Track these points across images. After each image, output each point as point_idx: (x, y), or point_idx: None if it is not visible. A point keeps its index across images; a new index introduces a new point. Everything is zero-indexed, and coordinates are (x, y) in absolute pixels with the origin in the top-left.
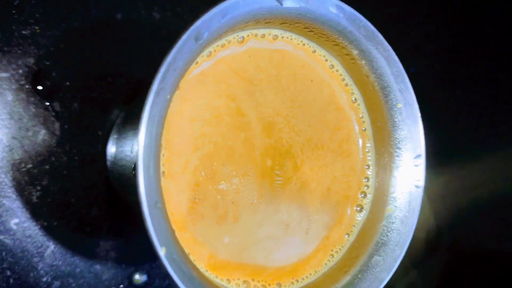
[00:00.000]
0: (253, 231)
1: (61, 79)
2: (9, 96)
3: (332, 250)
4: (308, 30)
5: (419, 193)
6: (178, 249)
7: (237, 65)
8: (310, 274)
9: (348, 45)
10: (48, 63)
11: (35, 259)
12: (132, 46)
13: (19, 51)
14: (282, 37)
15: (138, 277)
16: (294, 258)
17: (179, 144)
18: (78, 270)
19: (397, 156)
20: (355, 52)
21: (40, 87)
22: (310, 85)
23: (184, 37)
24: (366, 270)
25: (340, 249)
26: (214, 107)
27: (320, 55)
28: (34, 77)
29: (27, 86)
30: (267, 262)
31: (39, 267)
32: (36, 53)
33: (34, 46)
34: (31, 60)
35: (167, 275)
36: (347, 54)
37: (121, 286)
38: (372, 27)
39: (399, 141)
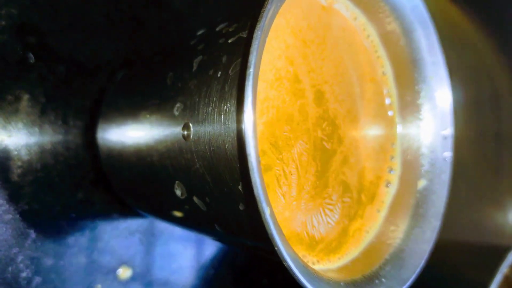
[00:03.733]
0: (308, 206)
1: (47, 37)
2: None
3: (366, 226)
4: None
5: (448, 165)
6: (273, 212)
7: (293, 22)
8: (352, 249)
9: (392, 15)
10: (34, 17)
11: (14, 250)
12: (122, 8)
13: None
14: None
15: (123, 271)
16: (337, 235)
17: None
18: (61, 263)
19: (425, 130)
20: (396, 22)
21: (24, 44)
22: (349, 50)
23: None
24: (409, 242)
25: (373, 224)
26: (276, 68)
27: (360, 23)
28: (17, 31)
29: (9, 41)
30: (317, 238)
31: (19, 259)
32: (21, 3)
33: None
34: (15, 11)
35: (149, 270)
36: (388, 24)
37: (107, 281)
38: (420, 1)
39: (427, 115)
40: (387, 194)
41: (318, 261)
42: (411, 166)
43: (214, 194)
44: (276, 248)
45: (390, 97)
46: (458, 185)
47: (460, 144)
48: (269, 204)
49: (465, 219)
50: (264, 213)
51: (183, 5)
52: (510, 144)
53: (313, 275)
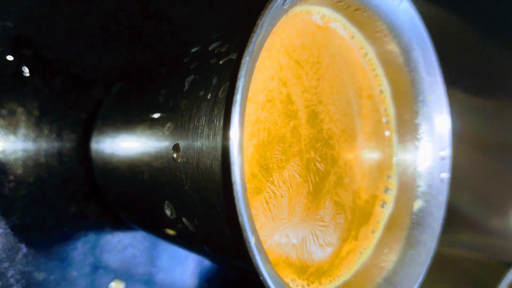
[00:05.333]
0: (299, 228)
1: (43, 50)
2: None
3: (360, 247)
4: (359, 12)
5: (445, 187)
6: (259, 240)
7: (287, 41)
8: (344, 272)
9: (390, 34)
10: (29, 29)
11: (5, 264)
12: (120, 20)
13: None
14: (329, 18)
15: (115, 285)
16: (329, 257)
17: None
18: (53, 277)
19: (422, 150)
20: (394, 41)
21: (18, 57)
22: (346, 67)
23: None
24: (403, 265)
25: (367, 245)
26: (268, 89)
27: (357, 41)
28: (12, 44)
29: (4, 55)
30: (308, 261)
31: (9, 274)
32: (17, 16)
33: (15, 6)
34: (10, 24)
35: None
36: (386, 43)
37: None
38: (418, 19)
39: (425, 135)
40: (383, 215)
41: (308, 285)
42: (407, 186)
43: (202, 217)
44: (261, 277)
45: (388, 116)
46: (460, 195)
47: (462, 153)
48: (254, 233)
49: (467, 231)
50: (249, 242)
51: (181, 18)
52: None
53: None
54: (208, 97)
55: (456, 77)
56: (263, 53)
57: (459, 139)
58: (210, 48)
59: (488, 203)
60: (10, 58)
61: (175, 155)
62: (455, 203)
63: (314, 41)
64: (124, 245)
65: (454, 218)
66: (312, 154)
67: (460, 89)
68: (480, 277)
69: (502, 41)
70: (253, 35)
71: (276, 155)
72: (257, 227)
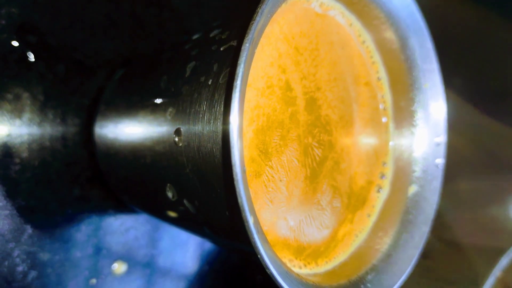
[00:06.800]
0: (297, 211)
1: (47, 36)
2: None
3: (356, 230)
4: None
5: (440, 172)
6: (257, 220)
7: (286, 29)
8: (340, 254)
9: (387, 22)
10: (34, 16)
11: (11, 245)
12: (122, 7)
13: None
14: (328, 5)
15: (118, 266)
16: (326, 239)
17: None
18: (57, 258)
19: (418, 136)
20: (392, 28)
21: (24, 43)
22: (342, 54)
23: None
24: (397, 247)
25: (363, 229)
26: (268, 75)
27: (355, 29)
28: (17, 30)
29: (9, 40)
30: (305, 243)
31: (15, 254)
32: (22, 3)
33: None
34: (15, 11)
35: (148, 264)
36: (383, 30)
37: (102, 275)
38: (415, 7)
39: (420, 121)
40: (378, 199)
41: (305, 265)
42: (403, 172)
43: (202, 199)
44: (259, 256)
45: (385, 103)
46: (458, 184)
47: (461, 141)
48: (253, 213)
49: (465, 218)
50: (247, 221)
51: (183, 5)
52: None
53: (296, 282)
54: (209, 82)
55: (454, 65)
56: (263, 40)
57: (458, 126)
58: (211, 35)
59: (486, 190)
60: (15, 44)
61: (176, 139)
62: (453, 189)
63: (313, 28)
64: (127, 227)
65: (451, 204)
66: (310, 139)
67: (458, 78)
68: (476, 263)
69: (502, 28)
70: (253, 23)
71: (274, 140)
72: (255, 209)
